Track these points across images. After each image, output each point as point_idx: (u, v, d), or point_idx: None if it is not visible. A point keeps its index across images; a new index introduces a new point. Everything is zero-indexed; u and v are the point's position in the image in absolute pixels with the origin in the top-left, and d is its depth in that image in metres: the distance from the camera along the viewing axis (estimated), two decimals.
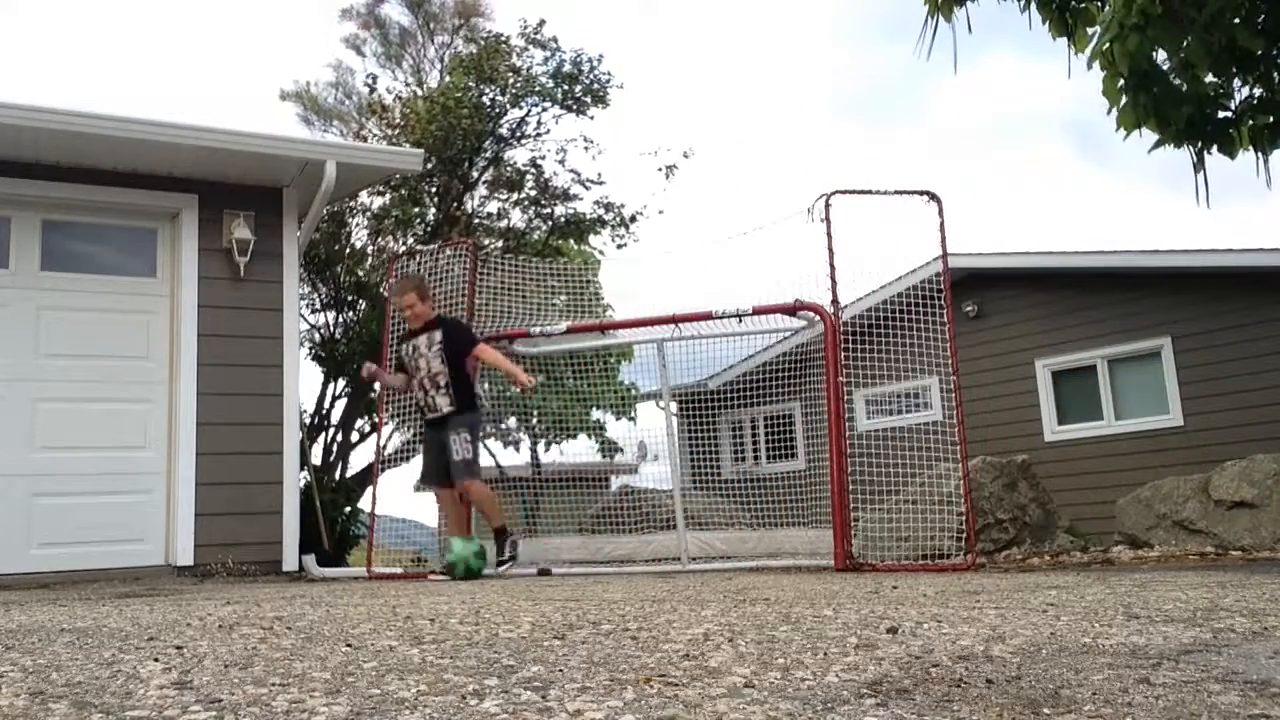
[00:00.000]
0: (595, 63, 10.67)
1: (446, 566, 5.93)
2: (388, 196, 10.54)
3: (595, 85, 10.64)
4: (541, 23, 10.67)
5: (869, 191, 5.86)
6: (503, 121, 10.63)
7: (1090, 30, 4.92)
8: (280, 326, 6.81)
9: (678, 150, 14.00)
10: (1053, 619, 2.57)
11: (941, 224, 5.82)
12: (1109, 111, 4.78)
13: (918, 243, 6.23)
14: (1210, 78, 4.85)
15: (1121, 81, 4.68)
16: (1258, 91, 4.97)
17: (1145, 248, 10.93)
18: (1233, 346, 10.25)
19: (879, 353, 6.16)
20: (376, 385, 8.46)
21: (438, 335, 6.12)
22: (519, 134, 10.78)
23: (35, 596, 4.64)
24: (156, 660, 2.07)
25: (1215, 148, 4.89)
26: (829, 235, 5.84)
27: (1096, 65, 4.67)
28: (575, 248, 11.56)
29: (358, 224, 10.80)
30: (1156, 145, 4.87)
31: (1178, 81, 4.71)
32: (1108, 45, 4.45)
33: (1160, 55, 4.69)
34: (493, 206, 11.32)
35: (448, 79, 11.44)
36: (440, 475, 6.13)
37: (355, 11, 13.98)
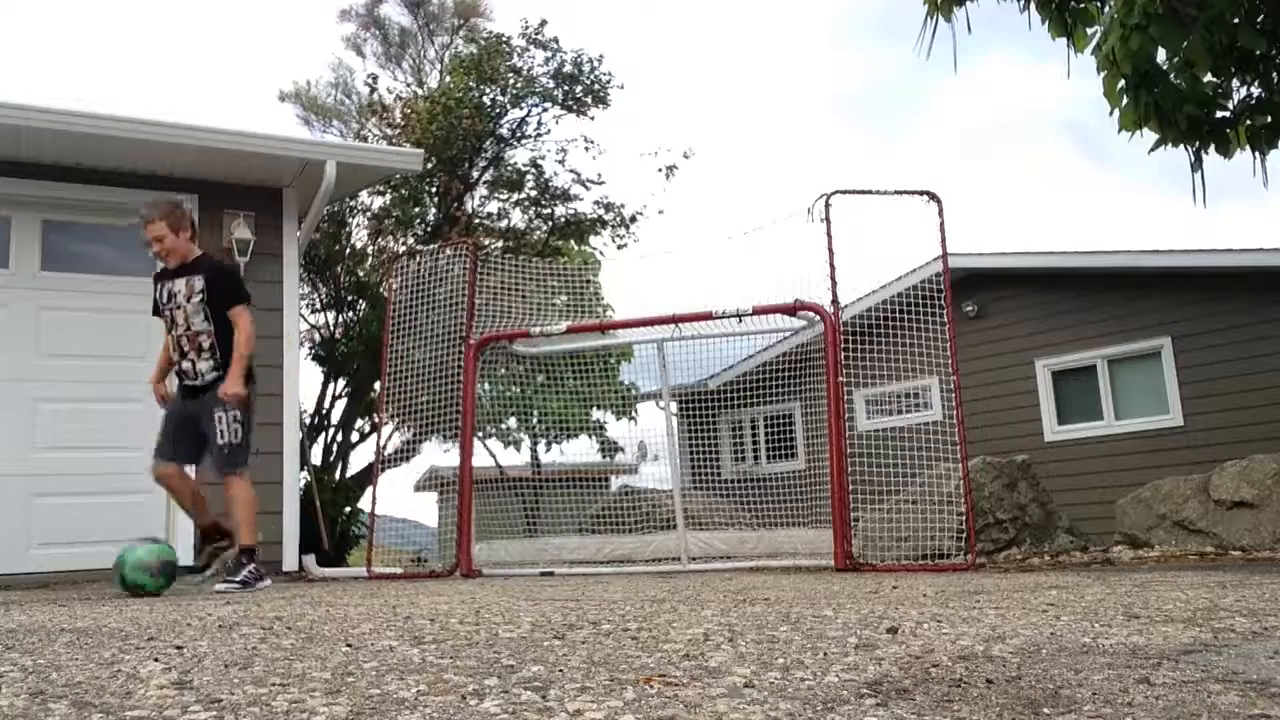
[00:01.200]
0: (596, 63, 10.68)
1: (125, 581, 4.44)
2: (388, 196, 10.55)
3: (596, 86, 10.65)
4: (543, 23, 10.69)
5: (869, 191, 5.87)
6: (503, 122, 10.64)
7: (1090, 30, 4.93)
8: (280, 326, 6.80)
9: (678, 150, 14.02)
10: (1053, 619, 2.57)
11: (941, 224, 5.83)
12: (1110, 113, 4.79)
13: (918, 243, 6.24)
14: (1209, 77, 4.85)
15: (1122, 82, 4.69)
16: (1256, 91, 4.98)
17: (1145, 248, 10.93)
18: (1233, 346, 10.25)
19: (879, 353, 6.16)
20: (376, 385, 8.44)
21: (199, 283, 4.88)
22: (519, 134, 10.80)
23: (35, 596, 4.64)
24: (156, 660, 2.07)
25: (1212, 147, 4.90)
26: (829, 235, 5.85)
27: (1095, 65, 4.68)
28: (575, 248, 11.57)
29: (358, 224, 10.82)
30: (1157, 145, 4.87)
31: (1178, 81, 4.72)
32: (1110, 46, 4.46)
33: (1160, 55, 4.70)
34: (493, 206, 11.34)
35: (448, 79, 11.45)
36: (180, 454, 4.91)
37: (355, 12, 13.99)
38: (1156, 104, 4.67)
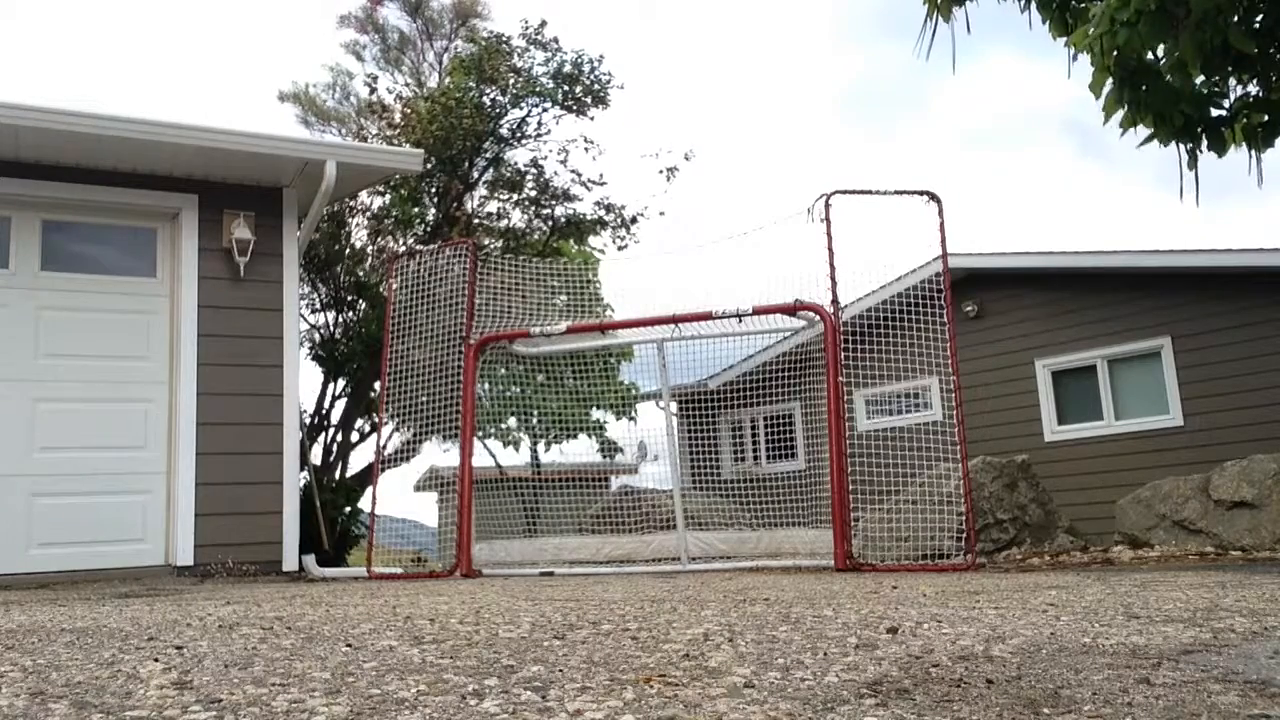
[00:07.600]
0: (596, 63, 10.67)
1: None
2: (388, 196, 10.55)
3: (596, 86, 10.64)
4: (543, 24, 10.68)
5: (869, 192, 5.87)
6: (503, 122, 10.63)
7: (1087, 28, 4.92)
8: (280, 326, 6.81)
9: (679, 152, 13.95)
10: (1053, 619, 2.57)
11: (941, 224, 5.83)
12: (1097, 98, 4.79)
13: (918, 243, 6.24)
14: (1204, 76, 4.85)
15: (1110, 79, 4.69)
16: (1254, 90, 4.97)
17: (1144, 248, 10.93)
18: (1233, 346, 10.25)
19: (879, 353, 6.16)
20: (376, 385, 8.42)
21: None
22: (519, 134, 10.78)
23: (35, 596, 4.63)
24: (156, 660, 2.07)
25: (1205, 145, 4.89)
26: (829, 235, 5.85)
27: (1089, 60, 4.68)
28: (575, 248, 11.56)
29: (358, 224, 10.81)
30: (1146, 140, 4.87)
31: (1170, 78, 4.71)
32: (1098, 40, 4.46)
33: (1154, 53, 4.69)
34: (493, 207, 11.32)
35: (448, 79, 11.45)
36: None
37: (353, 17, 13.95)
38: (1150, 102, 4.66)
